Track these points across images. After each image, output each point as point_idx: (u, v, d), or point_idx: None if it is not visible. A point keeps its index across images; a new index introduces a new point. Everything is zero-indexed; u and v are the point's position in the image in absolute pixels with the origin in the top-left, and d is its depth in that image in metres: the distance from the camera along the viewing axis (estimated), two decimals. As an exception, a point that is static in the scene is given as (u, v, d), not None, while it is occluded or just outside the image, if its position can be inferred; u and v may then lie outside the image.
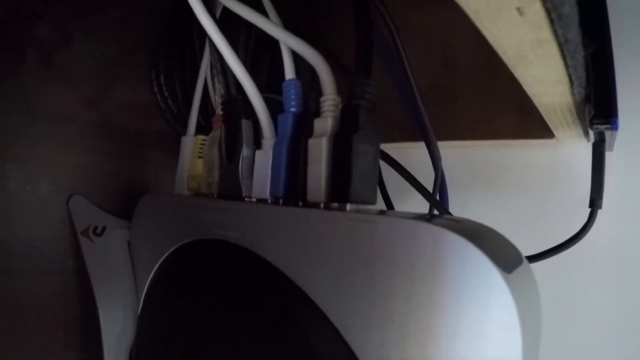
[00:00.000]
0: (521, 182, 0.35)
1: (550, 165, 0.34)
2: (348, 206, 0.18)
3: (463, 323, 0.14)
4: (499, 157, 0.35)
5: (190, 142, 0.29)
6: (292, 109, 0.22)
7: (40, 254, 0.29)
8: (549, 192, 0.34)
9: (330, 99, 0.20)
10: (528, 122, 0.32)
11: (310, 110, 0.22)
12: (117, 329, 0.29)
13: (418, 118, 0.29)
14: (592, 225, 0.27)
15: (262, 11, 0.25)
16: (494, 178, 0.36)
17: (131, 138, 0.33)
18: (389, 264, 0.15)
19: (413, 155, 0.31)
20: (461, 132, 0.34)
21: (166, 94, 0.33)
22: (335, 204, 0.19)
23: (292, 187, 0.21)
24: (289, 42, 0.22)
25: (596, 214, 0.28)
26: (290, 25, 0.25)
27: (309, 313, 0.17)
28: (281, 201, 0.21)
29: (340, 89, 0.20)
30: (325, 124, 0.20)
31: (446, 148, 0.34)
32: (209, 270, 0.22)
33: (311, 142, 0.20)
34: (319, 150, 0.19)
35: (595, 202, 0.28)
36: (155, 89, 0.33)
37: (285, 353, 0.17)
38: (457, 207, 0.30)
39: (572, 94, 0.22)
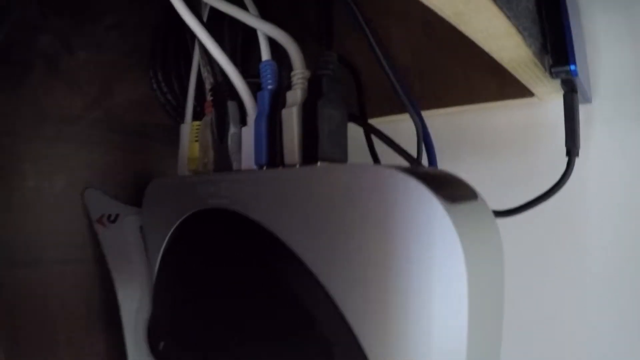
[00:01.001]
0: (507, 142, 0.37)
1: (534, 123, 0.36)
2: (318, 164, 0.21)
3: (412, 250, 0.16)
4: (483, 121, 0.38)
5: (188, 128, 0.32)
6: (269, 87, 0.25)
7: (63, 245, 0.33)
8: (535, 149, 0.36)
9: (299, 73, 0.23)
10: (506, 84, 0.34)
11: (284, 86, 0.25)
12: (134, 307, 0.32)
13: (394, 88, 0.32)
14: (570, 174, 0.29)
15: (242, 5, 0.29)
16: (481, 141, 0.38)
17: (136, 132, 0.37)
18: (349, 206, 0.18)
19: (404, 127, 0.34)
20: (445, 100, 0.37)
21: (165, 89, 0.37)
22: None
23: (272, 155, 0.24)
24: (261, 27, 0.26)
25: (573, 162, 0.30)
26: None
27: (287, 259, 0.20)
28: (264, 168, 0.24)
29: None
30: (295, 95, 0.23)
31: (433, 117, 0.37)
32: (205, 236, 0.25)
33: (284, 112, 0.23)
34: (291, 119, 0.23)
35: (570, 151, 0.30)
36: (155, 86, 0.37)
37: (269, 294, 0.21)
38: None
39: (527, 45, 0.25)
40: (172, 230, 0.28)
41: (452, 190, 0.17)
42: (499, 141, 0.37)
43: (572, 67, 0.26)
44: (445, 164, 0.37)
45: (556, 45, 0.26)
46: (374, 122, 0.34)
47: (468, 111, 0.37)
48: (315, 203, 0.19)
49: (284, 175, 0.21)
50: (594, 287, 0.34)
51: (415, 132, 0.31)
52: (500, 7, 0.20)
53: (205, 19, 0.31)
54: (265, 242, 0.21)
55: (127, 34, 0.37)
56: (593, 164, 0.34)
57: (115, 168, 0.35)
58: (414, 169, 0.17)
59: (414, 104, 0.30)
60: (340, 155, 0.22)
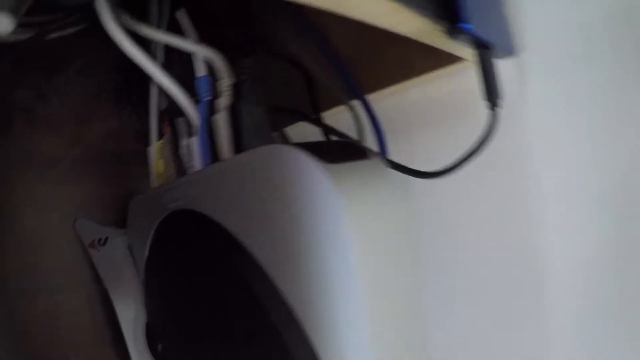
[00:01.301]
0: (452, 109, 0.40)
1: (472, 86, 0.38)
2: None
3: (304, 215, 0.19)
4: (427, 92, 0.41)
5: (153, 149, 0.36)
6: (205, 98, 0.29)
7: (64, 272, 0.37)
8: (478, 110, 0.38)
9: (224, 82, 0.27)
10: (436, 54, 0.37)
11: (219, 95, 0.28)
12: (131, 316, 0.36)
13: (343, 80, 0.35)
14: (494, 127, 0.32)
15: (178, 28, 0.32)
16: (429, 112, 0.41)
17: (113, 161, 0.41)
18: (256, 185, 0.21)
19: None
20: (387, 80, 0.40)
21: (133, 118, 0.41)
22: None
23: (213, 156, 0.27)
24: (190, 48, 0.29)
25: (496, 115, 0.32)
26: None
27: (228, 244, 0.23)
28: (208, 169, 0.28)
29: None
30: (224, 101, 0.27)
31: (383, 98, 0.40)
32: (172, 239, 0.29)
33: (215, 117, 0.27)
34: (221, 121, 0.26)
35: (491, 105, 0.32)
36: (124, 117, 0.41)
37: (223, 280, 0.24)
38: (404, 152, 0.36)
39: (420, 15, 0.27)
40: (149, 241, 0.32)
41: (337, 153, 0.20)
42: (445, 109, 0.40)
43: (467, 26, 0.27)
44: (399, 140, 0.40)
45: (447, 7, 0.27)
46: (328, 114, 0.37)
47: (412, 86, 0.40)
48: (237, 187, 0.22)
49: (212, 169, 0.24)
50: (543, 234, 0.36)
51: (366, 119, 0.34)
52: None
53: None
54: (214, 232, 0.24)
55: (94, 74, 0.41)
56: (530, 113, 0.36)
57: (99, 196, 0.39)
58: (302, 144, 0.20)
59: (356, 90, 0.33)
60: (266, 147, 0.25)
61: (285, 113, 0.41)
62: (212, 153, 0.27)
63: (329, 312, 0.19)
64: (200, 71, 0.30)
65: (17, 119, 0.37)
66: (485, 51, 0.31)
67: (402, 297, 0.20)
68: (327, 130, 0.34)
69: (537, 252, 0.38)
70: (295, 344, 0.20)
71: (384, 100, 0.40)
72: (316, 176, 0.18)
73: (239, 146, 0.25)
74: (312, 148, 0.19)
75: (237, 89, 0.26)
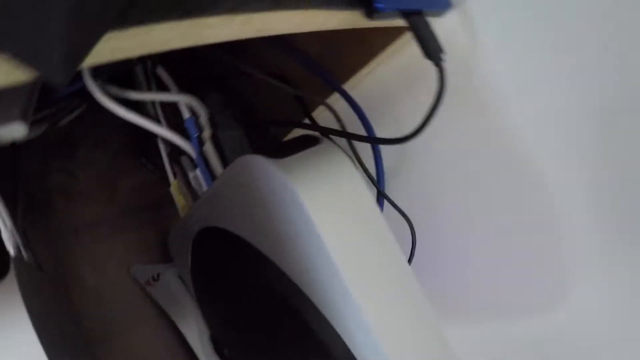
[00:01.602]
0: (422, 76, 0.43)
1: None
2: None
3: (274, 206, 0.24)
4: (397, 66, 0.44)
5: (174, 188, 0.42)
6: (194, 135, 0.34)
7: (130, 313, 0.43)
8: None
9: (203, 118, 0.32)
10: (385, 31, 0.40)
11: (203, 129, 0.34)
12: (195, 334, 0.42)
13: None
14: (445, 82, 0.35)
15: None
16: (405, 84, 0.45)
17: (146, 208, 0.47)
18: (238, 190, 0.26)
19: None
20: (356, 65, 0.44)
21: (151, 167, 0.47)
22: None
23: (213, 179, 0.33)
24: (173, 98, 0.35)
25: (443, 70, 0.35)
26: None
27: (239, 245, 0.28)
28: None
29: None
30: (207, 133, 0.32)
31: (359, 84, 0.44)
32: (200, 256, 0.34)
33: (204, 148, 0.32)
34: (209, 150, 0.31)
35: (435, 62, 0.35)
36: (144, 169, 0.47)
37: (251, 281, 0.29)
38: (391, 126, 0.40)
39: (334, 11, 0.31)
40: (189, 264, 0.38)
41: (293, 147, 0.24)
42: (408, 77, 0.44)
43: (380, 6, 0.29)
44: (383, 116, 0.44)
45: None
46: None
47: (380, 64, 0.44)
48: (227, 198, 0.27)
49: (209, 189, 0.30)
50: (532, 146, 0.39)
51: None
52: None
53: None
54: (229, 240, 0.30)
55: (107, 141, 0.47)
56: (486, 54, 0.40)
57: (143, 241, 0.45)
58: (265, 149, 0.25)
59: (333, 83, 0.38)
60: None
61: (277, 125, 0.46)
62: (211, 177, 0.33)
63: (325, 289, 0.23)
64: (185, 114, 0.35)
65: (56, 198, 0.43)
66: (415, 17, 0.35)
67: (380, 257, 0.24)
68: (317, 129, 0.38)
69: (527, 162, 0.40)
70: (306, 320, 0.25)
71: (361, 84, 0.45)
72: (271, 172, 0.23)
73: (226, 165, 0.30)
74: (271, 150, 0.24)
75: (212, 121, 0.31)
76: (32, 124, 0.39)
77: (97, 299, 0.42)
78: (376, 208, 0.25)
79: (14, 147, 0.38)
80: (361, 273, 0.23)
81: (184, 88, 0.36)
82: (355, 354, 0.23)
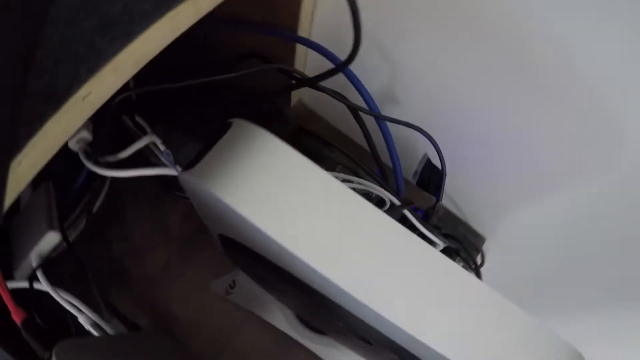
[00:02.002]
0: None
1: None
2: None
3: (220, 211, 0.26)
4: None
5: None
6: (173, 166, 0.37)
7: (225, 324, 0.49)
8: None
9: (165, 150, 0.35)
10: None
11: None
12: (283, 317, 0.46)
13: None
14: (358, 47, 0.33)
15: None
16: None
17: (199, 231, 0.52)
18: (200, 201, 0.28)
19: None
20: (292, 15, 0.43)
21: (183, 194, 0.51)
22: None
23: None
24: (145, 141, 0.38)
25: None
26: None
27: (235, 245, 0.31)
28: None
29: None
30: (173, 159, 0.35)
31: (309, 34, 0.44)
32: (230, 255, 0.38)
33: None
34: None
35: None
36: (182, 197, 0.52)
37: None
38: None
39: None
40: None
41: (200, 153, 0.26)
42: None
43: None
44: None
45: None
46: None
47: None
48: (202, 208, 0.30)
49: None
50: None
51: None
52: None
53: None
54: (236, 245, 0.32)
55: (140, 192, 0.52)
56: None
57: (207, 260, 0.50)
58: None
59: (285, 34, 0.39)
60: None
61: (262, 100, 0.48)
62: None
63: (310, 279, 0.25)
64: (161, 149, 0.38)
65: (126, 262, 0.50)
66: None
67: (344, 222, 0.24)
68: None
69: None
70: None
71: (316, 26, 0.44)
72: (194, 183, 0.25)
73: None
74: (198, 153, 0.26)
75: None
76: (71, 225, 0.45)
77: (195, 325, 0.48)
78: (313, 166, 0.25)
79: (69, 244, 0.44)
80: (327, 250, 0.23)
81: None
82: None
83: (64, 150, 0.41)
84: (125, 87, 0.46)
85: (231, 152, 0.25)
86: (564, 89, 0.34)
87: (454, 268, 0.24)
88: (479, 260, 0.56)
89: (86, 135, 0.42)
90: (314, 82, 0.39)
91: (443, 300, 0.23)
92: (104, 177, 0.48)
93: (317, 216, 0.23)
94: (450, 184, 0.53)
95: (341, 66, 0.34)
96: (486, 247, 0.57)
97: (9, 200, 0.23)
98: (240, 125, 0.25)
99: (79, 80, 0.25)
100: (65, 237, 0.43)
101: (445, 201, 0.58)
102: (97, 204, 0.48)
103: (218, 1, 0.28)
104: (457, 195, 0.55)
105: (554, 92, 0.35)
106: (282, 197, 0.23)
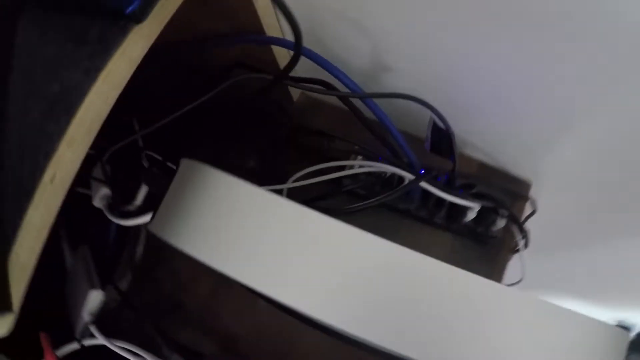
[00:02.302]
0: None
1: None
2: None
3: None
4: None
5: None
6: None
7: (285, 331, 0.50)
8: None
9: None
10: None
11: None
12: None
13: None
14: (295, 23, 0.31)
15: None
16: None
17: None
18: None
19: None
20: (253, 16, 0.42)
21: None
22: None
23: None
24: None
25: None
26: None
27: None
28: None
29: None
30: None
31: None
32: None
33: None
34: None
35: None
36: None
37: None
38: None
39: None
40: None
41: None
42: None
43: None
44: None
45: None
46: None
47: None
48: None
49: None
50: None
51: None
52: None
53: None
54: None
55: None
56: None
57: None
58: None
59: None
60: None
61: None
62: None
63: None
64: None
65: (185, 299, 0.52)
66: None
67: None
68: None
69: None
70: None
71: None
72: (159, 234, 0.25)
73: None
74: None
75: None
76: (118, 281, 0.48)
77: (256, 341, 0.49)
78: (260, 192, 0.24)
79: (121, 294, 0.47)
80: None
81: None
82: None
83: (91, 209, 0.44)
84: (131, 131, 0.48)
85: (182, 196, 0.25)
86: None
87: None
88: (529, 207, 0.53)
89: (106, 191, 0.44)
90: (284, 76, 0.38)
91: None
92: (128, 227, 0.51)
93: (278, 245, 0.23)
94: (475, 137, 0.51)
95: (295, 48, 0.33)
96: (534, 192, 0.54)
97: (22, 285, 0.25)
98: (186, 166, 0.25)
99: (39, 168, 0.26)
100: (117, 289, 0.46)
101: (478, 154, 0.55)
102: (139, 247, 0.50)
103: (149, 45, 0.28)
104: (487, 145, 0.53)
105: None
106: (234, 233, 0.24)
